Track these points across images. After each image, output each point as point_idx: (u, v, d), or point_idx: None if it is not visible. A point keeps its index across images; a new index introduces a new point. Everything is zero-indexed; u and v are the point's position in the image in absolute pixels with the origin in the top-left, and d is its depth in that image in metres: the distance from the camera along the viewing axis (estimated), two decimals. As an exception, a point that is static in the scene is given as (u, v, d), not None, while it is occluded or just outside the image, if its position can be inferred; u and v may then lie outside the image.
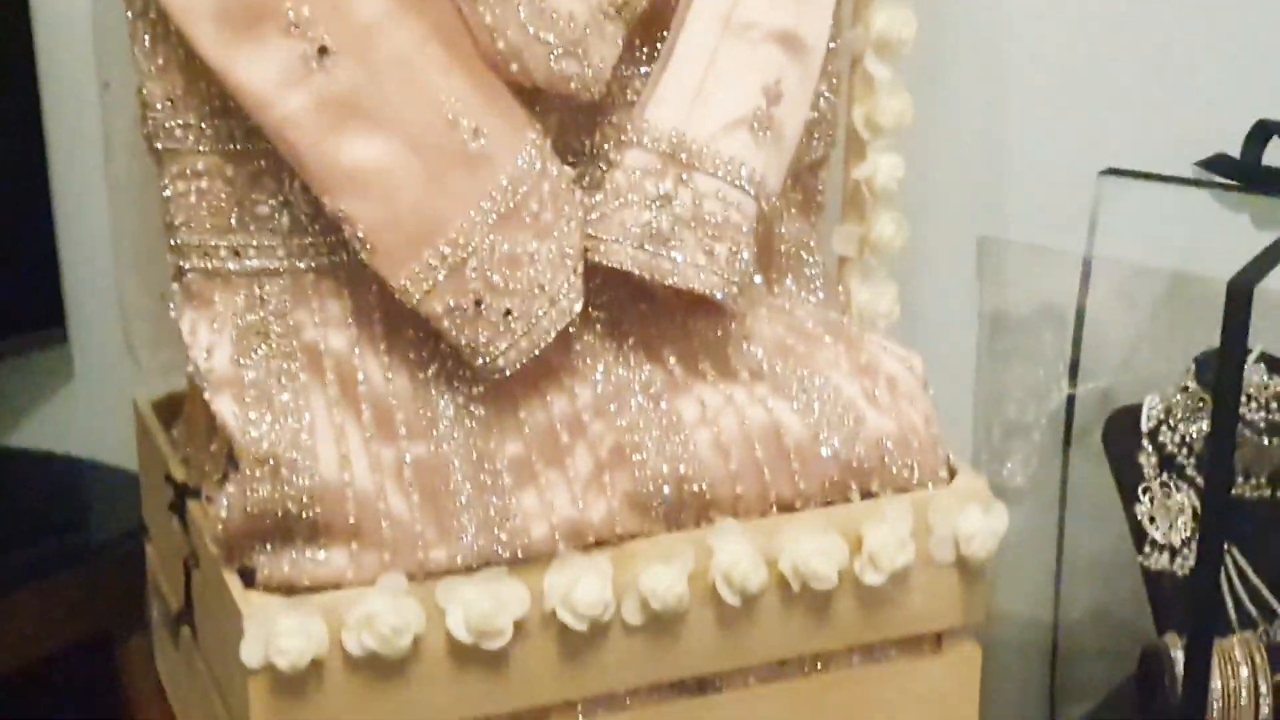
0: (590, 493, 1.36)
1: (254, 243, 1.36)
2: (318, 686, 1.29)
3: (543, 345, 1.35)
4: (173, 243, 1.36)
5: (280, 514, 1.29)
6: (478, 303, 1.32)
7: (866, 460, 1.43)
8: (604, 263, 1.38)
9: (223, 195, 1.35)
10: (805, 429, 1.42)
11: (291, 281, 1.37)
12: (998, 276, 1.80)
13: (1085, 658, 1.84)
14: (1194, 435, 1.66)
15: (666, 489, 1.37)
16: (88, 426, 1.97)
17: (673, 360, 1.43)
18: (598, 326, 1.43)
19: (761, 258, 1.51)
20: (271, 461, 1.29)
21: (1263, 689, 1.55)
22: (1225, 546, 1.62)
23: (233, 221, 1.36)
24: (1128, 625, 1.76)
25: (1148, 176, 1.79)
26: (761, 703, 1.44)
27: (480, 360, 1.34)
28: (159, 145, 1.35)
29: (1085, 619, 1.85)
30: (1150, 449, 1.67)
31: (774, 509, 1.42)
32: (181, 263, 1.36)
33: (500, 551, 1.33)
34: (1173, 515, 1.66)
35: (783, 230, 1.55)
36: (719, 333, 1.44)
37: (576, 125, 1.42)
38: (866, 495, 1.44)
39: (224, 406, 1.32)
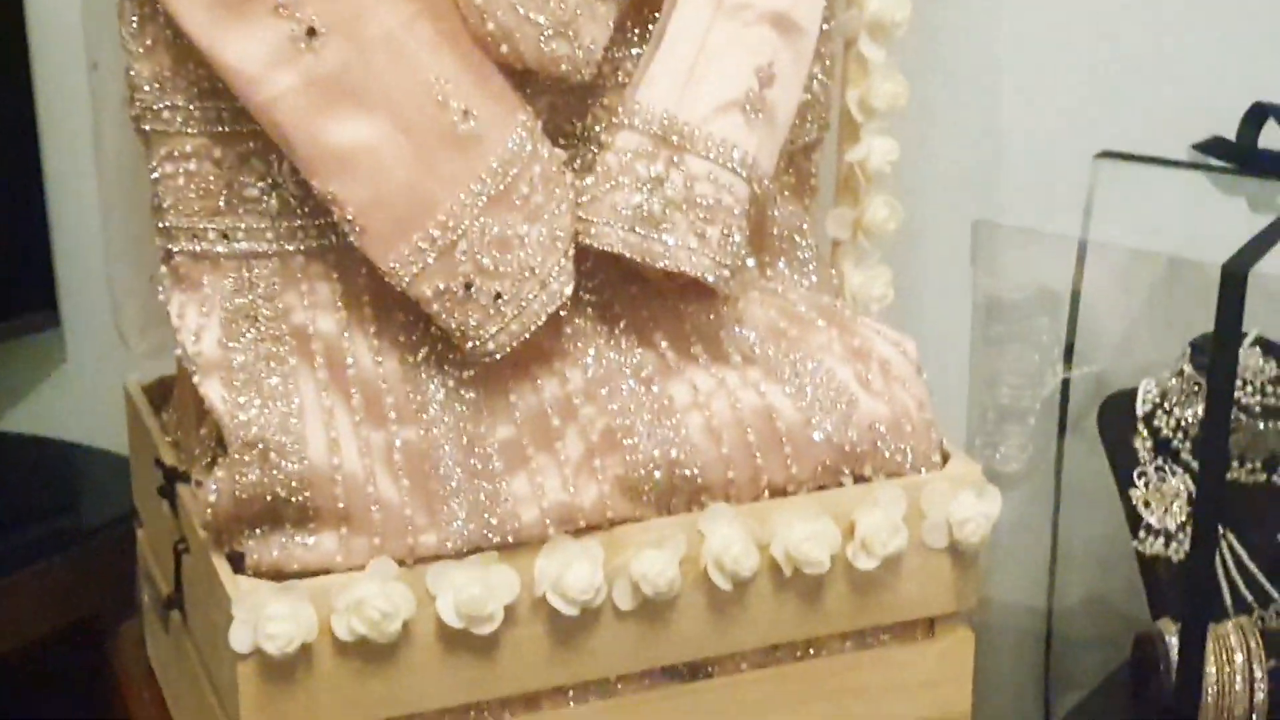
0: (581, 477, 1.36)
1: (242, 225, 1.35)
2: (307, 672, 1.28)
3: (533, 329, 1.34)
4: (160, 225, 1.36)
5: (269, 498, 1.29)
6: (467, 286, 1.32)
7: (859, 445, 1.43)
8: (595, 245, 1.37)
9: (211, 177, 1.34)
10: (797, 413, 1.41)
11: (280, 264, 1.36)
12: (992, 260, 1.79)
13: (1080, 643, 1.83)
14: (1189, 419, 1.66)
15: (658, 473, 1.36)
16: (80, 410, 1.97)
17: (664, 344, 1.43)
18: (589, 310, 1.42)
19: (754, 241, 1.50)
20: (260, 446, 1.29)
21: (1258, 674, 1.54)
22: (1220, 531, 1.62)
23: (221, 204, 1.35)
24: (1122, 611, 1.76)
25: (1143, 159, 1.78)
26: (753, 688, 1.43)
27: (470, 344, 1.33)
28: (146, 127, 1.34)
29: (1080, 604, 1.85)
30: (1145, 433, 1.67)
31: (766, 493, 1.41)
32: (169, 245, 1.36)
33: (490, 536, 1.32)
34: (1168, 500, 1.65)
35: (776, 213, 1.54)
36: (711, 316, 1.43)
37: (567, 107, 1.42)
38: (859, 480, 1.44)
39: (212, 390, 1.31)
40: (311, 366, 1.34)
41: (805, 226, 1.57)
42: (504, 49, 1.32)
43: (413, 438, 1.33)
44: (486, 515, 1.32)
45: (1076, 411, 1.81)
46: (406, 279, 1.31)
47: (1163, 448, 1.67)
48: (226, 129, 1.33)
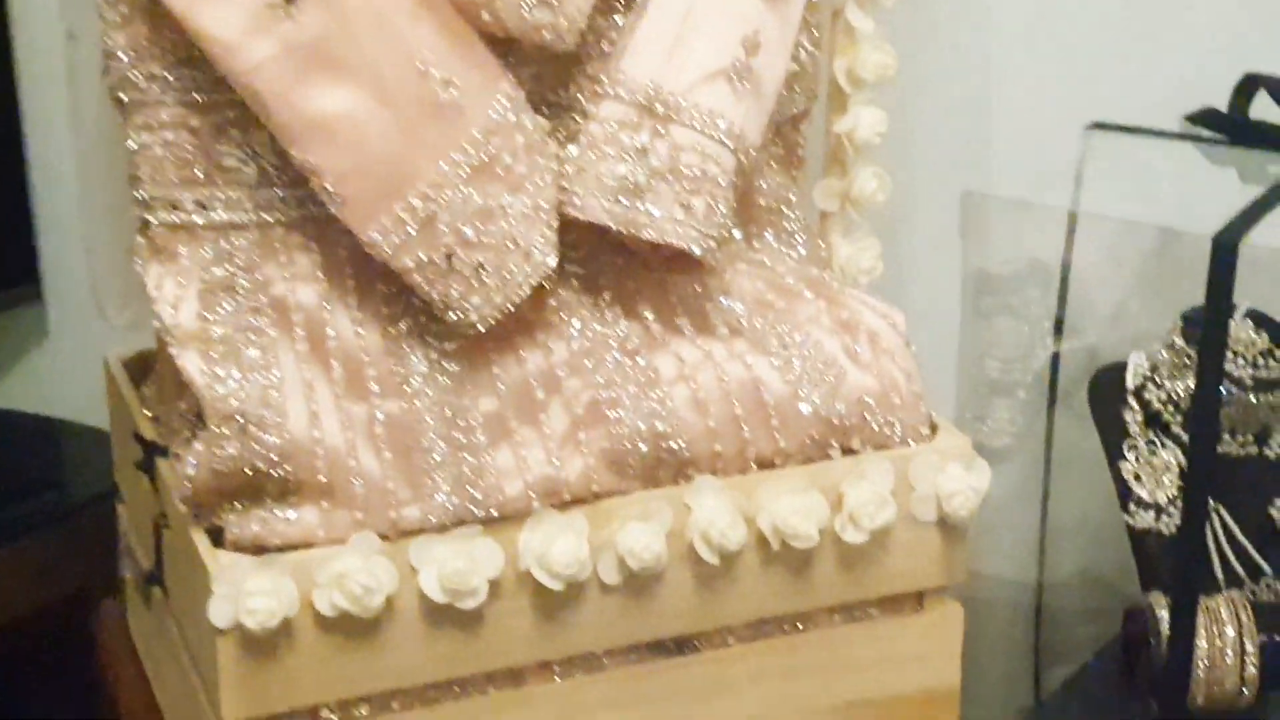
0: (566, 450, 1.34)
1: (221, 196, 1.34)
2: (288, 647, 1.27)
3: (517, 300, 1.33)
4: (138, 196, 1.34)
5: (249, 472, 1.27)
6: (449, 257, 1.30)
7: (847, 417, 1.42)
8: (579, 217, 1.36)
9: (188, 147, 1.33)
10: (785, 385, 1.40)
11: (260, 235, 1.34)
12: (982, 232, 1.78)
13: (1070, 617, 1.83)
14: (1180, 392, 1.65)
15: (643, 446, 1.35)
16: (62, 386, 1.96)
17: (650, 316, 1.41)
18: (573, 281, 1.41)
19: (741, 212, 1.49)
20: (239, 419, 1.27)
21: (1248, 648, 1.54)
22: (1211, 504, 1.61)
23: (199, 174, 1.33)
24: (1113, 584, 1.76)
25: (1134, 131, 1.77)
26: (740, 663, 1.42)
27: (453, 315, 1.32)
28: (123, 96, 1.32)
29: (1070, 578, 1.85)
30: (1136, 406, 1.66)
31: (753, 467, 1.40)
32: (147, 216, 1.34)
33: (474, 510, 1.31)
34: (1158, 473, 1.65)
35: (763, 184, 1.53)
36: (697, 288, 1.42)
37: (551, 77, 1.40)
38: (847, 453, 1.42)
39: (190, 363, 1.30)
40: (291, 339, 1.33)
41: (793, 198, 1.56)
42: (486, 17, 1.31)
43: (395, 410, 1.32)
44: (470, 488, 1.31)
45: (1066, 384, 1.81)
46: (388, 250, 1.30)
47: (1153, 421, 1.66)
48: (204, 98, 1.32)
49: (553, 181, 1.35)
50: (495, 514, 1.31)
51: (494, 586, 1.31)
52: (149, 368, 1.54)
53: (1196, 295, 1.46)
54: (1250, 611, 1.55)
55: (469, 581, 1.30)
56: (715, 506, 1.36)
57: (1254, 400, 1.63)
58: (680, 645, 1.41)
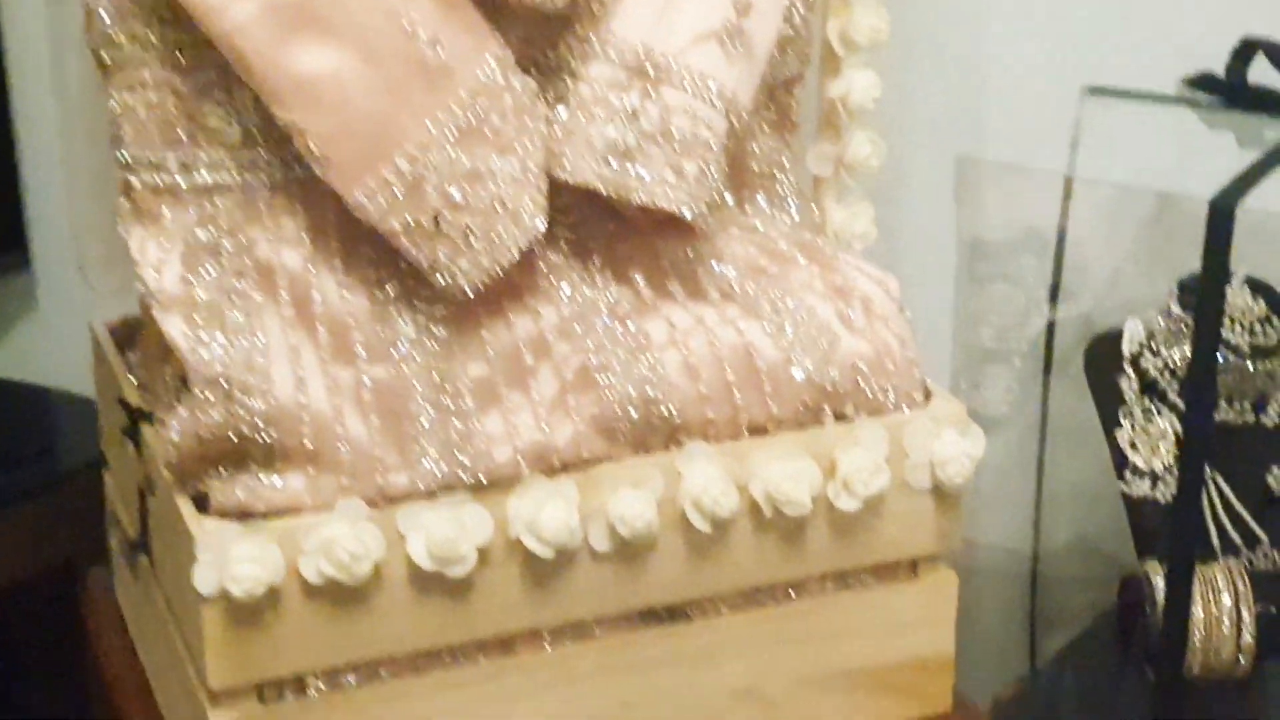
0: (556, 415, 1.33)
1: (204, 157, 1.32)
2: (274, 615, 1.26)
3: (505, 264, 1.32)
4: (120, 157, 1.33)
5: (234, 437, 1.26)
6: (436, 219, 1.29)
7: (840, 383, 1.40)
8: (569, 180, 1.35)
9: (171, 108, 1.31)
10: (777, 351, 1.39)
11: (244, 197, 1.33)
12: (977, 197, 1.77)
13: (1065, 586, 1.82)
14: (1177, 360, 1.64)
15: (634, 412, 1.34)
16: (50, 354, 1.95)
17: (641, 280, 1.40)
18: (563, 245, 1.39)
19: (734, 176, 1.48)
20: (224, 383, 1.26)
21: (1245, 616, 1.54)
22: (1208, 472, 1.60)
23: (182, 135, 1.32)
24: (1108, 553, 1.75)
25: (1131, 95, 1.76)
26: (733, 631, 1.41)
27: (441, 279, 1.30)
28: (105, 56, 1.31)
29: (1065, 546, 1.84)
30: (1132, 374, 1.66)
31: (745, 433, 1.39)
32: (129, 177, 1.33)
33: (463, 476, 1.29)
34: (1154, 441, 1.64)
35: (756, 148, 1.52)
36: (688, 252, 1.41)
37: (540, 38, 1.38)
38: (840, 419, 1.41)
39: (174, 327, 1.28)
40: (277, 303, 1.31)
41: (786, 162, 1.55)
42: (474, -25, 1.29)
43: (382, 376, 1.30)
44: (459, 454, 1.29)
45: (1062, 351, 1.80)
46: (374, 213, 1.28)
47: (1149, 388, 1.65)
48: (187, 58, 1.30)
49: (542, 144, 1.34)
50: (484, 480, 1.30)
51: (483, 554, 1.30)
52: (136, 334, 1.52)
53: (1193, 261, 1.45)
54: (1247, 580, 1.55)
55: (458, 549, 1.28)
56: (707, 473, 1.35)
57: (1251, 367, 1.63)
58: (672, 613, 1.40)
